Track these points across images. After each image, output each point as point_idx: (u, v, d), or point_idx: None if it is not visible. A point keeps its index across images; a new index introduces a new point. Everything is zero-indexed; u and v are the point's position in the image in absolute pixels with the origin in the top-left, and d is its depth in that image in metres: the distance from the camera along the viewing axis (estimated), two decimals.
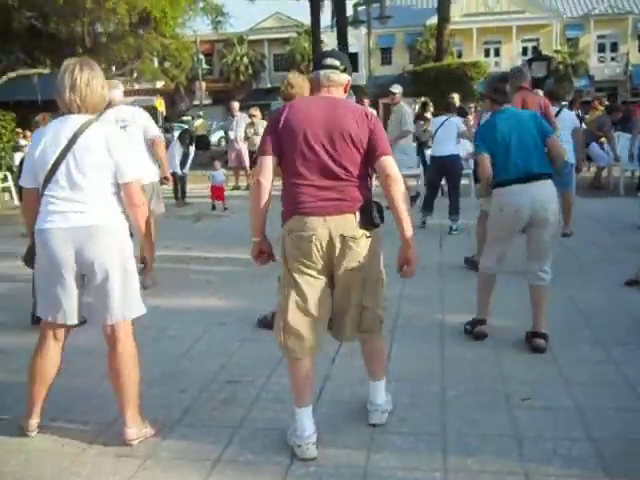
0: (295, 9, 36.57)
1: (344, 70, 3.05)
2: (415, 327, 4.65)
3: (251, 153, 12.61)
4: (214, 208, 10.66)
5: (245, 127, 12.94)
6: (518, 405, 3.40)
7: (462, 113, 11.01)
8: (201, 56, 36.98)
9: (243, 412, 3.42)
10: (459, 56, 39.08)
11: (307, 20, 28.13)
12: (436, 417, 3.30)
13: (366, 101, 13.24)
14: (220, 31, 28.14)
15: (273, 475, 2.84)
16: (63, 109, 3.03)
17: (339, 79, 3.04)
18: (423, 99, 14.91)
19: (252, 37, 45.62)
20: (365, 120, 2.93)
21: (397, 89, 9.46)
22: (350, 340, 3.23)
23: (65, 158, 2.94)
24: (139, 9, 15.43)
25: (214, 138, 32.55)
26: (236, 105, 14.19)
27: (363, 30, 25.25)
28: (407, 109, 9.64)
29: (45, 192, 2.99)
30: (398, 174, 2.93)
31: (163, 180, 6.17)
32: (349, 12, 24.19)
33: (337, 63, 3.04)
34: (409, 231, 2.94)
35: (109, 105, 5.82)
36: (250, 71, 45.46)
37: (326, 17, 28.22)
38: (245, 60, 45.53)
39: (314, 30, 26.22)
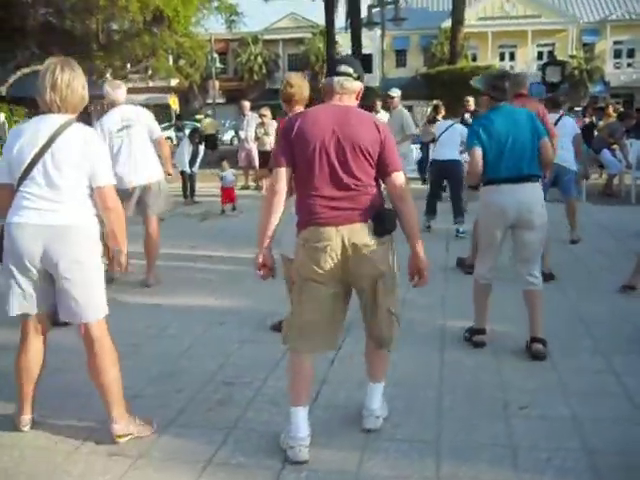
0: (310, 10, 36.51)
1: (357, 77, 3.07)
2: (416, 332, 4.62)
3: (261, 153, 12.60)
4: (223, 212, 10.61)
5: (255, 127, 12.94)
6: (515, 413, 3.37)
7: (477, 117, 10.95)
8: (215, 55, 37.10)
9: (238, 414, 3.41)
10: (474, 59, 39.00)
11: (322, 21, 28.17)
12: (431, 424, 3.27)
13: (378, 103, 13.25)
14: (234, 30, 28.19)
15: (264, 479, 2.83)
16: (43, 108, 3.05)
17: (352, 86, 3.05)
18: (435, 102, 14.86)
19: (267, 37, 45.70)
20: (376, 131, 2.96)
21: (395, 93, 9.43)
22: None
23: (43, 157, 2.96)
24: (152, 7, 15.49)
25: (226, 137, 32.65)
26: (247, 104, 14.18)
27: (378, 31, 25.21)
28: (407, 112, 9.62)
29: (20, 188, 3.00)
30: (409, 190, 3.01)
31: (166, 175, 6.21)
32: (364, 14, 24.20)
33: (351, 70, 3.05)
34: (419, 245, 3.03)
35: (113, 105, 5.86)
36: (264, 71, 45.54)
37: (341, 18, 28.24)
38: (259, 60, 45.61)
39: (328, 31, 26.24)
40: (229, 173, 10.92)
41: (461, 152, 8.18)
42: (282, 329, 3.13)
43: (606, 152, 11.95)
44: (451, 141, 8.17)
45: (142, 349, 4.41)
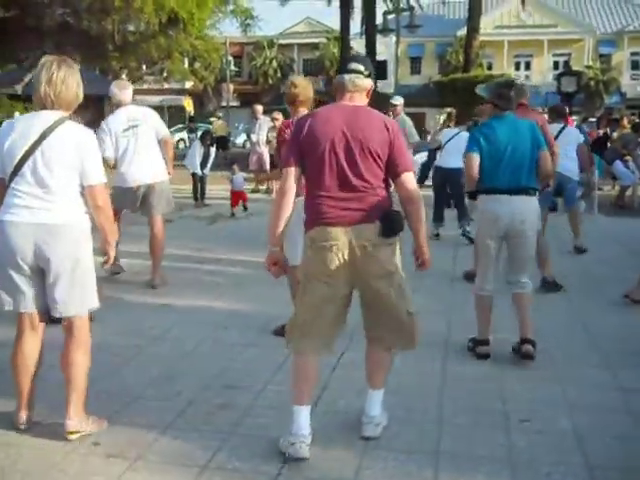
0: (326, 15, 36.69)
1: (368, 75, 3.08)
2: (420, 341, 4.55)
3: (272, 156, 12.62)
4: (233, 215, 10.62)
5: (267, 131, 12.96)
6: (516, 426, 3.33)
7: None
8: (230, 58, 37.22)
9: (237, 418, 3.39)
10: (489, 68, 38.88)
11: (337, 26, 28.22)
12: (430, 434, 3.24)
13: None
14: (250, 34, 28.34)
15: None
16: (38, 103, 3.07)
17: (363, 84, 3.07)
18: (448, 110, 14.85)
19: (282, 41, 45.87)
20: (386, 132, 2.96)
21: (398, 101, 9.39)
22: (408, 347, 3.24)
23: (33, 154, 2.98)
24: (167, 9, 15.58)
25: (239, 140, 32.72)
26: (259, 108, 14.21)
27: (393, 38, 25.20)
28: (410, 121, 9.58)
29: (12, 184, 3.02)
30: (418, 191, 3.03)
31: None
32: (379, 20, 24.23)
33: (362, 68, 3.07)
34: (424, 244, 3.10)
35: (119, 105, 5.88)
36: (279, 75, 45.64)
37: (356, 24, 28.31)
38: (274, 63, 45.76)
39: (343, 36, 26.28)
40: (239, 176, 10.94)
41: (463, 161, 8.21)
42: (285, 332, 3.15)
43: (619, 163, 11.88)
44: (456, 149, 8.12)
45: (144, 350, 4.40)
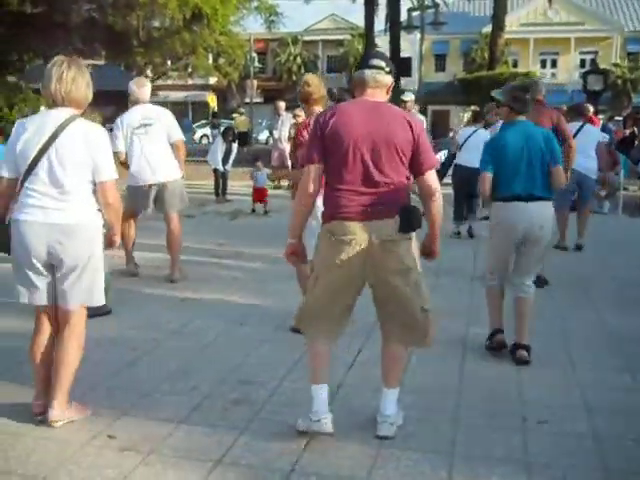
0: (351, 11, 36.49)
1: (389, 72, 3.08)
2: (437, 340, 4.51)
3: None
4: (254, 211, 10.64)
5: (289, 127, 12.94)
6: (533, 428, 3.28)
7: None
8: (254, 54, 37.30)
9: (251, 413, 3.39)
10: (514, 65, 38.52)
11: (362, 23, 28.12)
12: (446, 435, 3.21)
13: (416, 106, 13.12)
14: (274, 30, 28.34)
15: None
16: (48, 101, 3.12)
17: (384, 80, 3.08)
18: (473, 108, 14.76)
19: (307, 37, 45.80)
20: (409, 130, 2.98)
21: (408, 97, 9.34)
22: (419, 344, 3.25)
23: (46, 152, 3.03)
24: (191, 5, 15.66)
25: (262, 137, 32.79)
26: (282, 105, 14.20)
27: (417, 35, 25.07)
28: (421, 117, 9.50)
29: (25, 184, 3.08)
30: (439, 189, 3.05)
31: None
32: (404, 17, 24.10)
33: (383, 64, 3.08)
34: (437, 235, 3.17)
35: (137, 102, 5.90)
36: (303, 71, 45.50)
37: (381, 21, 28.17)
38: (298, 60, 45.73)
39: (367, 33, 26.21)
40: (263, 173, 10.90)
41: None
42: (295, 319, 3.26)
43: None
44: (475, 147, 8.07)
45: (162, 344, 4.42)
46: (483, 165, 4.25)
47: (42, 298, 3.18)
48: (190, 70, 31.41)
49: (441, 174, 10.45)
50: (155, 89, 20.98)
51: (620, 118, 20.81)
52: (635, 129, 16.19)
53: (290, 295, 5.12)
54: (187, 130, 28.45)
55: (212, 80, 40.47)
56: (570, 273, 6.54)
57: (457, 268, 6.24)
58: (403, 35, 25.83)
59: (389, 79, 3.09)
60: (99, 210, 3.19)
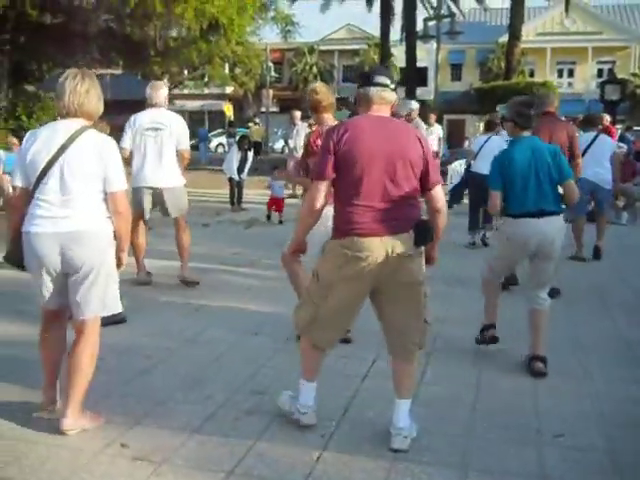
0: (367, 21, 36.62)
1: (394, 89, 3.12)
2: (452, 351, 4.52)
3: None
4: (269, 218, 10.66)
5: (305, 136, 12.96)
6: (549, 442, 3.24)
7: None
8: (270, 64, 37.48)
9: (264, 424, 3.37)
10: (531, 75, 38.44)
11: (378, 32, 28.18)
12: (460, 448, 3.17)
13: (432, 116, 13.11)
14: (290, 40, 28.44)
15: None
16: (60, 112, 3.17)
17: (389, 97, 3.10)
18: (488, 117, 14.70)
19: (323, 47, 45.96)
20: (420, 146, 3.03)
21: (414, 106, 9.33)
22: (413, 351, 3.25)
23: (57, 162, 3.06)
24: (207, 15, 15.76)
25: (277, 146, 32.89)
26: (298, 114, 14.23)
27: (433, 45, 25.10)
28: (424, 125, 9.47)
29: (35, 194, 3.11)
30: (445, 205, 3.18)
31: None
32: (419, 26, 24.12)
33: (388, 82, 3.10)
34: (436, 244, 3.23)
35: (153, 106, 5.93)
36: (319, 81, 45.75)
37: (396, 30, 28.25)
38: (314, 70, 45.87)
39: (383, 43, 26.24)
40: (280, 183, 10.87)
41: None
42: (296, 322, 3.30)
43: None
44: (491, 154, 8.04)
45: (175, 353, 4.42)
46: (492, 184, 4.25)
47: (55, 302, 3.24)
48: (206, 79, 31.57)
49: (455, 198, 10.18)
50: (172, 98, 21.15)
51: (638, 128, 20.66)
52: None
53: None
54: (203, 139, 28.59)
55: (228, 89, 40.68)
56: (586, 283, 6.49)
57: (471, 277, 6.19)
58: (419, 45, 25.86)
59: (394, 96, 3.13)
60: (109, 218, 3.21)
